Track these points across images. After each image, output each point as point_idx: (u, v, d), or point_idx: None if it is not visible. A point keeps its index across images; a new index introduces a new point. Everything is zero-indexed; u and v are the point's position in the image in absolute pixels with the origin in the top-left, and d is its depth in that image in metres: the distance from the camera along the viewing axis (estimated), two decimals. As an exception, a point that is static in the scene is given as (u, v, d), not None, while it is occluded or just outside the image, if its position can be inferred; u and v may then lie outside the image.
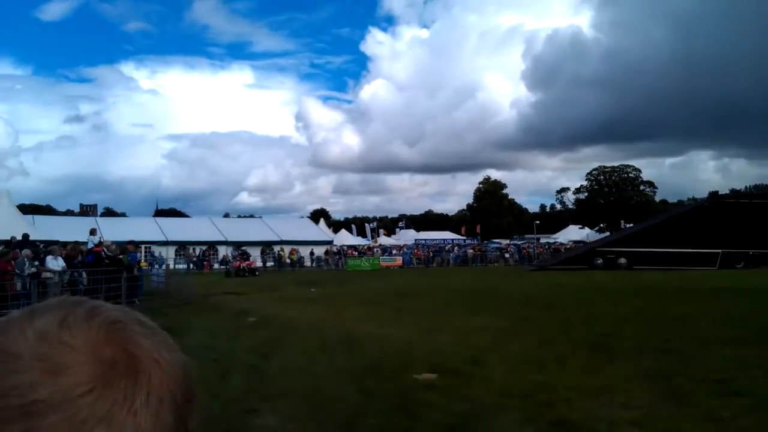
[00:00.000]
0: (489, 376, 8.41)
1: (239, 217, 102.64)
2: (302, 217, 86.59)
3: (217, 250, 53.31)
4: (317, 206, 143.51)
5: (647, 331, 12.41)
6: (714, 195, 44.77)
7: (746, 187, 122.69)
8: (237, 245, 52.50)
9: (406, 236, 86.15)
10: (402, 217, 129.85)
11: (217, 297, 22.86)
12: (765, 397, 7.01)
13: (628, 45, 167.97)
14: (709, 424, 6.07)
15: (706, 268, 37.81)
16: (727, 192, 68.62)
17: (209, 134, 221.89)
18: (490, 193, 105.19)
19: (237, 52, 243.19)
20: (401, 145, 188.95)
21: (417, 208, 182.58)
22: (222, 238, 54.02)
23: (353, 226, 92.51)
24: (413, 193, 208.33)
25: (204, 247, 52.85)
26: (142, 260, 37.34)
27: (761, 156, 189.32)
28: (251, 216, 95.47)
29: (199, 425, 0.60)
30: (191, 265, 48.15)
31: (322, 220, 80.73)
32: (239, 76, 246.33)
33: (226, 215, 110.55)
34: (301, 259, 52.11)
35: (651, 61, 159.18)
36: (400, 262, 54.70)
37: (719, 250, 39.55)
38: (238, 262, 42.66)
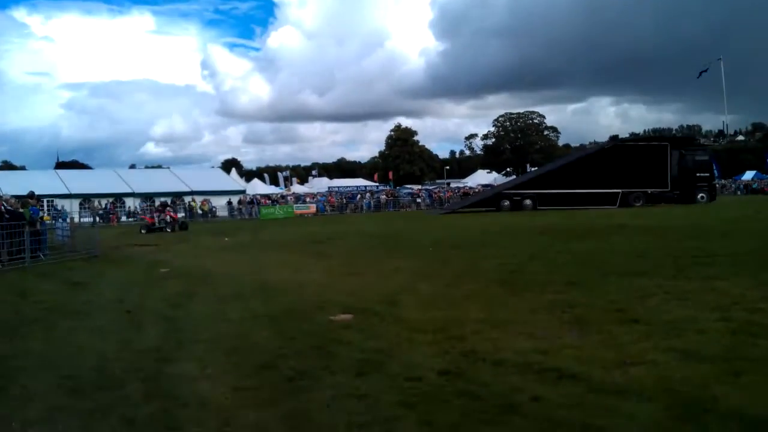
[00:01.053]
0: (403, 314, 8.64)
1: (146, 167, 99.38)
2: (213, 167, 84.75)
3: (124, 202, 51.73)
4: (228, 156, 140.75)
5: (551, 266, 12.99)
6: (614, 138, 46.62)
7: (645, 131, 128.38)
8: (145, 197, 51.16)
9: (320, 184, 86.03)
10: (315, 165, 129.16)
11: (126, 249, 22.31)
12: (660, 323, 7.52)
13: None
14: (609, 350, 6.46)
15: (607, 207, 39.66)
16: (627, 136, 71.46)
17: (110, 83, 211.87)
18: (402, 141, 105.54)
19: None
20: (311, 94, 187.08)
21: (329, 156, 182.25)
22: (129, 190, 52.43)
23: (266, 175, 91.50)
24: (325, 142, 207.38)
25: (110, 200, 51.13)
26: (45, 214, 35.85)
27: (659, 102, 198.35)
28: (159, 167, 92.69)
29: None
30: (97, 219, 46.62)
31: (233, 170, 79.54)
32: (140, 22, 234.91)
33: (132, 166, 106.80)
34: (213, 209, 51.25)
35: (554, 9, 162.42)
36: (314, 209, 54.69)
37: (619, 190, 41.49)
38: (157, 213, 36.98)
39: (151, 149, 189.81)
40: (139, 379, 6.11)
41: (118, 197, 51.77)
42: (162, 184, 55.30)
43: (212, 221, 46.83)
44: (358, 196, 64.49)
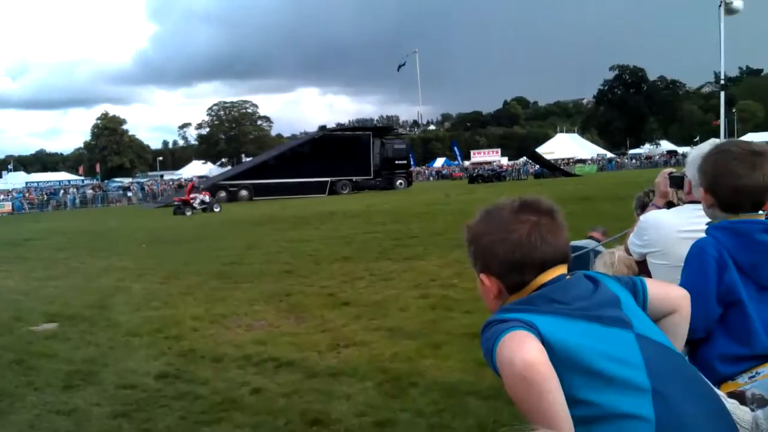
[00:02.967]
0: (115, 318, 8.20)
1: None
2: None
3: None
4: None
5: (268, 256, 13.25)
6: (323, 128, 48.89)
7: (350, 121, 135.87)
8: None
9: (15, 179, 77.88)
10: (9, 158, 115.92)
11: None
12: (368, 304, 8.10)
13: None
14: (324, 334, 6.80)
15: (318, 195, 41.33)
16: (334, 126, 74.94)
17: None
18: (109, 130, 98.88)
19: None
20: (2, 77, 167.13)
21: (26, 148, 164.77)
22: None
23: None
24: (20, 132, 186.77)
25: None
26: None
27: (360, 93, 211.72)
28: None
29: None
30: None
31: None
32: None
33: None
34: None
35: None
36: (10, 207, 49.26)
37: (328, 179, 43.41)
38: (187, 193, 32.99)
39: None
40: None
41: None
42: None
43: None
44: (62, 191, 59.36)
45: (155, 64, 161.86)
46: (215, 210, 31.98)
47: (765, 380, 1.76)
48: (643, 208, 3.49)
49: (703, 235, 2.08)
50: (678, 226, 2.31)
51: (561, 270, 1.51)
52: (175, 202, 33.77)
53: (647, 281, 1.64)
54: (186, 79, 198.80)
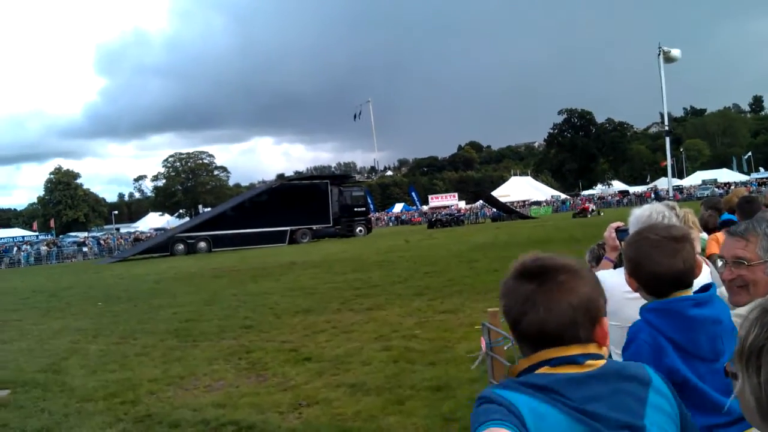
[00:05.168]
0: (69, 383, 7.98)
1: None
2: None
3: None
4: None
5: (228, 311, 13.07)
6: (280, 177, 48.74)
7: (307, 169, 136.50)
8: None
9: (-34, 237, 75.48)
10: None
11: None
12: (330, 359, 8.02)
13: (189, 35, 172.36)
14: (285, 393, 6.70)
15: (278, 245, 41.06)
16: (292, 174, 74.99)
17: None
18: (63, 184, 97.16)
19: None
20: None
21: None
22: None
23: None
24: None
25: None
26: None
27: (314, 141, 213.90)
28: None
29: None
30: None
31: None
32: None
33: None
34: None
35: (211, 51, 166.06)
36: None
37: (287, 228, 43.19)
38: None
39: None
40: None
41: None
42: None
43: None
44: (15, 248, 57.81)
45: (106, 117, 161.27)
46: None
47: None
48: (598, 260, 3.54)
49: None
50: (623, 287, 2.33)
51: (574, 350, 1.32)
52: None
53: None
54: (138, 132, 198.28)
